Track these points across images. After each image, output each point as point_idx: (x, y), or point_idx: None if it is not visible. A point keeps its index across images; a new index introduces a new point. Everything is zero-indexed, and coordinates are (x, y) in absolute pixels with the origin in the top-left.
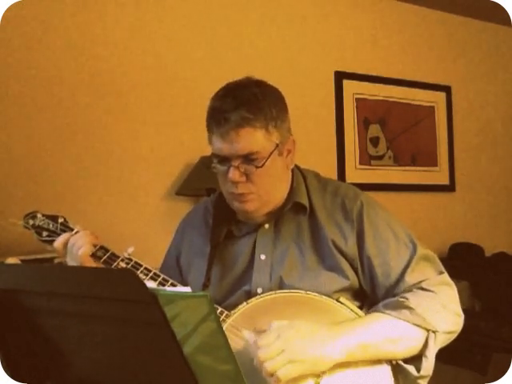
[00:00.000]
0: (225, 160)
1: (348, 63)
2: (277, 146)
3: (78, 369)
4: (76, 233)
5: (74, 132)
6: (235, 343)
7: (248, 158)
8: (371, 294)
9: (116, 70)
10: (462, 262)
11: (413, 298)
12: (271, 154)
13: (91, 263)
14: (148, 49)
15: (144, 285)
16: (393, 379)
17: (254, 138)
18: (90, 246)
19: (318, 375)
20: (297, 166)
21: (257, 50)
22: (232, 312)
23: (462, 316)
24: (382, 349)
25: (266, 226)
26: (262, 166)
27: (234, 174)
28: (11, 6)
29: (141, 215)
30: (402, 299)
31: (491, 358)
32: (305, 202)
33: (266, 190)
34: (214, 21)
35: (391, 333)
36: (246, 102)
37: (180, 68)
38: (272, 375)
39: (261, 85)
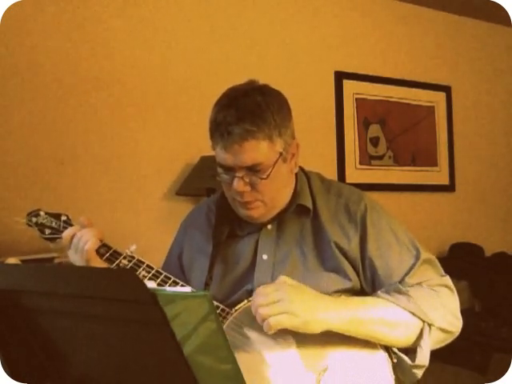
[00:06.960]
0: (229, 170)
1: (348, 63)
2: (281, 154)
3: (77, 369)
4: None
5: (74, 132)
6: (237, 340)
7: (252, 169)
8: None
9: (116, 71)
10: (462, 261)
11: (413, 291)
12: (275, 163)
13: (96, 258)
14: (149, 49)
15: (144, 285)
16: (393, 377)
17: (258, 150)
18: (96, 241)
19: (320, 373)
20: (300, 167)
21: (257, 51)
22: (233, 309)
23: (461, 320)
24: (375, 329)
25: (269, 226)
26: (267, 177)
27: (238, 185)
28: (11, 5)
29: (141, 215)
30: (402, 288)
31: (491, 357)
32: (309, 204)
33: (272, 197)
34: (213, 21)
35: (386, 315)
36: (249, 113)
37: (180, 68)
38: (264, 321)
39: (264, 92)
